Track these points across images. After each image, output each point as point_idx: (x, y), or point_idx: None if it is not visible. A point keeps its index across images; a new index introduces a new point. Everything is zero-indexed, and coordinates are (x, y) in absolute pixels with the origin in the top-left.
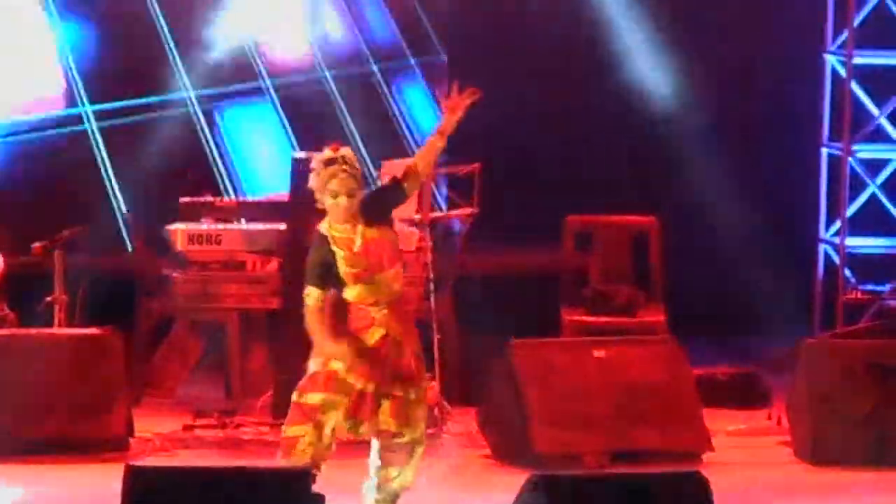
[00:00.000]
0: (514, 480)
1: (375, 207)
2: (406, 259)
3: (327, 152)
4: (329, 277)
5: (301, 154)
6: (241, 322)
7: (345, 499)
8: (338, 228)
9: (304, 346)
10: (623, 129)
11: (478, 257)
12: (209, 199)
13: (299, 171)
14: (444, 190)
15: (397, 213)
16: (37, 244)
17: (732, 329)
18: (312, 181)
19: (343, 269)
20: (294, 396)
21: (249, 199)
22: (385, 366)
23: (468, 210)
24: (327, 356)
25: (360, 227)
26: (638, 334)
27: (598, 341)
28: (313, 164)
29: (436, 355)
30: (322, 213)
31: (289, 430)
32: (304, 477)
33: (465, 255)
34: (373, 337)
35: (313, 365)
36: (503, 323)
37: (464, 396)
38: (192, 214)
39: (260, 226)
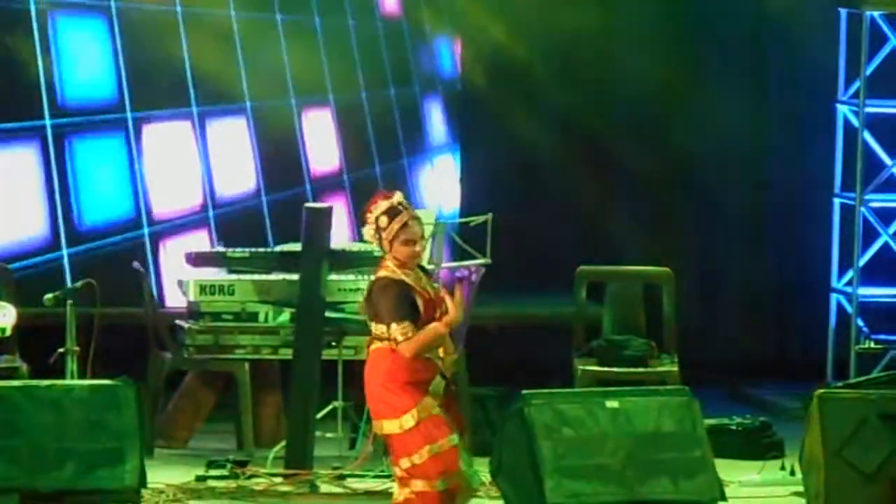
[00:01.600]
0: None
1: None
2: None
3: (388, 202)
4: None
5: (313, 204)
6: (253, 373)
7: None
8: (409, 275)
9: (315, 397)
10: (636, 180)
11: (490, 308)
12: (221, 249)
13: (312, 222)
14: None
15: None
16: (49, 295)
17: (745, 379)
18: (374, 233)
19: (422, 313)
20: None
21: (262, 249)
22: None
23: (481, 260)
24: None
25: (422, 276)
26: (650, 385)
27: (611, 392)
28: (374, 216)
29: None
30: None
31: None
32: None
33: (478, 306)
34: (440, 387)
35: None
36: (515, 373)
37: (476, 447)
38: (205, 264)
39: (272, 276)
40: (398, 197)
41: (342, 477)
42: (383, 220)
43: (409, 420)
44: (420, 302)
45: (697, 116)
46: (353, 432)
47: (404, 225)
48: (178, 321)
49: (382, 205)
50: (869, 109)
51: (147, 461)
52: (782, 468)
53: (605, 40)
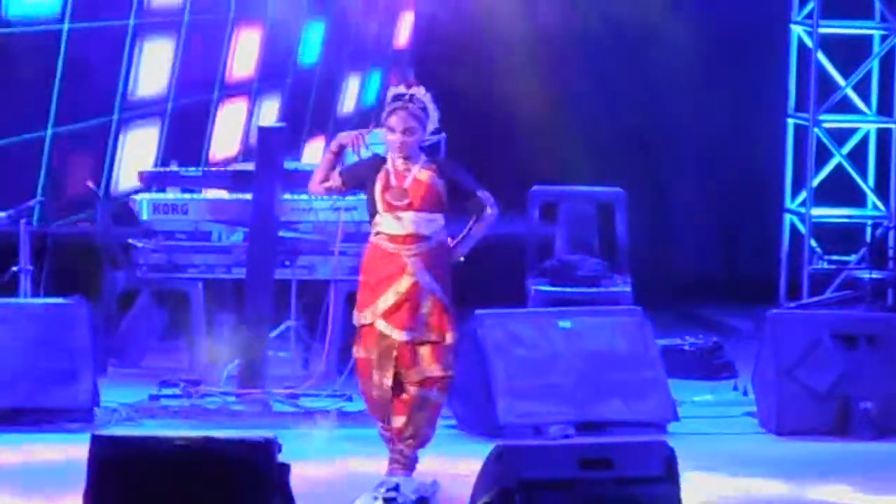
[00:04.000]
0: (480, 451)
1: (452, 169)
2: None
3: (399, 88)
4: (364, 187)
5: (267, 124)
6: (206, 292)
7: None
8: (397, 162)
9: (269, 317)
10: (587, 101)
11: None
12: (174, 168)
13: (266, 141)
14: None
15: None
16: (1, 213)
17: (698, 299)
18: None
19: (379, 193)
20: (355, 352)
21: (215, 168)
22: (418, 314)
23: None
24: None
25: (416, 167)
26: (603, 305)
27: (564, 312)
28: (388, 94)
29: None
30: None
31: (362, 385)
32: (270, 447)
33: None
34: (403, 285)
35: (360, 318)
36: (468, 293)
37: None
38: (158, 184)
39: (226, 195)
40: (416, 89)
41: (295, 396)
42: (387, 101)
43: (367, 317)
44: (387, 184)
45: (649, 38)
46: (306, 351)
47: (392, 112)
48: (131, 240)
49: (397, 88)
50: (822, 30)
51: (100, 380)
52: (735, 388)
53: None
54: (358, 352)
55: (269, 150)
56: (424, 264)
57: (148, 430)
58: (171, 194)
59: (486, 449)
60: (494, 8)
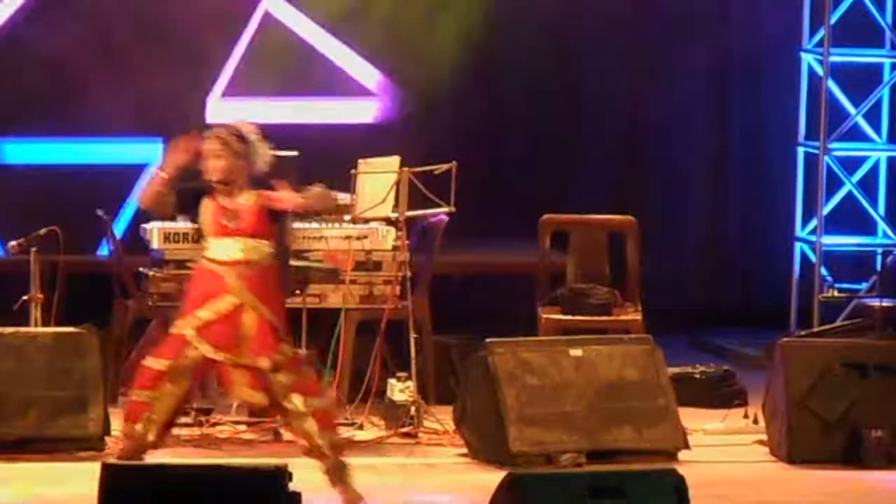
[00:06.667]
0: (491, 479)
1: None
2: (382, 258)
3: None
4: (193, 207)
5: (279, 152)
6: None
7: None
8: (218, 187)
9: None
10: (600, 129)
11: (454, 256)
12: None
13: (276, 169)
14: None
15: (373, 212)
16: (13, 243)
17: (708, 328)
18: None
19: (212, 217)
20: (146, 360)
21: None
22: (236, 335)
23: (445, 209)
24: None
25: (242, 194)
26: (614, 333)
27: (575, 340)
28: (252, 138)
29: (412, 354)
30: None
31: (135, 395)
32: (280, 475)
33: (442, 254)
34: (223, 304)
35: (174, 328)
36: (479, 322)
37: (440, 395)
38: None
39: None
40: (236, 123)
41: None
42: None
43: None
44: (213, 199)
45: (660, 65)
46: None
47: (207, 139)
48: (142, 269)
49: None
50: (833, 59)
51: (111, 409)
52: (745, 416)
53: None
54: (150, 360)
55: (280, 177)
56: (249, 286)
57: (159, 459)
58: (182, 223)
59: (497, 478)
60: (505, 37)
